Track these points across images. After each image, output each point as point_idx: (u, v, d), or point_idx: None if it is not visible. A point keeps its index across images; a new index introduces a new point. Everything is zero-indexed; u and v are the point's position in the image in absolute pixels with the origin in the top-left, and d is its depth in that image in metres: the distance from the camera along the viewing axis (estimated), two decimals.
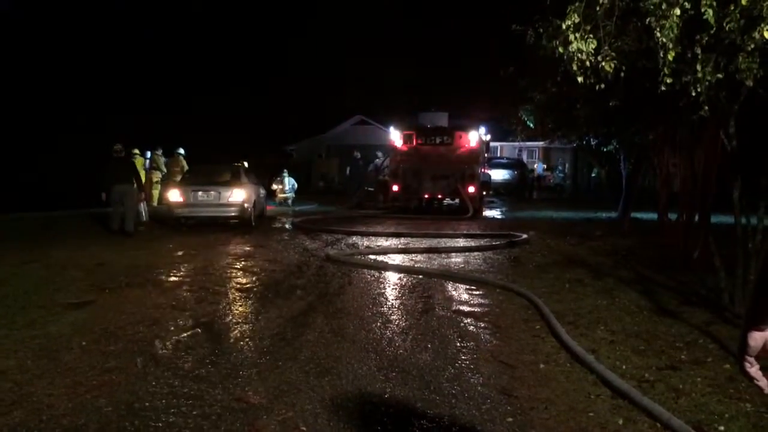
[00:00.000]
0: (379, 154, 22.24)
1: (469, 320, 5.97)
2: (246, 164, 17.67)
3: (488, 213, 18.99)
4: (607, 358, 4.76)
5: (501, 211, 20.00)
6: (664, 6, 5.42)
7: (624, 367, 4.56)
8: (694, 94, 5.78)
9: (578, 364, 4.58)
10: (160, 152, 19.21)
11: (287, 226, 14.80)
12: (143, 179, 17.65)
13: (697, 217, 7.98)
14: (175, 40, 36.46)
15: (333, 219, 16.22)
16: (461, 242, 11.77)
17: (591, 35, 6.07)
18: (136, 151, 17.64)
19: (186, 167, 17.93)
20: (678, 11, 5.37)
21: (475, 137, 17.55)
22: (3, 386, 4.14)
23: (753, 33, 5.09)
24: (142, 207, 14.25)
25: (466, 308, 6.49)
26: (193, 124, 32.86)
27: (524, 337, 5.42)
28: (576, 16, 5.96)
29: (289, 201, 21.32)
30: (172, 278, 8.13)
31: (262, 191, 16.04)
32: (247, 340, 5.26)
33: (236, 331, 5.54)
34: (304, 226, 14.00)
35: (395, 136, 17.87)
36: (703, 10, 5.22)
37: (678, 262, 8.35)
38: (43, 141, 25.93)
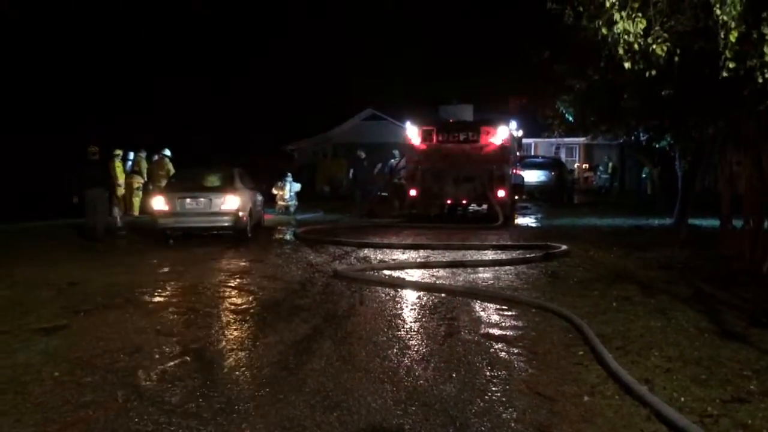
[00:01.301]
0: (396, 153, 22.24)
1: (500, 345, 5.94)
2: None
3: (521, 221, 18.92)
4: (662, 388, 4.72)
5: (536, 219, 19.92)
6: None
7: (683, 399, 4.52)
8: (760, 80, 5.73)
9: (629, 397, 4.54)
10: (144, 155, 19.38)
11: (288, 237, 14.86)
12: (123, 184, 17.94)
13: (766, 224, 7.89)
14: (157, 27, 36.84)
15: (341, 229, 16.25)
16: (490, 255, 11.73)
17: (639, 14, 6.04)
18: (118, 152, 17.84)
19: (172, 171, 18.07)
20: None
21: (504, 133, 17.50)
22: None
23: None
24: (117, 213, 14.61)
25: (496, 331, 6.46)
26: (179, 123, 33.17)
27: (565, 364, 5.39)
28: None
29: (291, 209, 21.43)
30: (157, 298, 8.18)
31: (260, 198, 16.11)
32: (243, 369, 5.28)
33: (231, 360, 5.56)
34: (307, 237, 14.04)
35: (412, 133, 17.88)
36: None
37: (744, 276, 8.26)
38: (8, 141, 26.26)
